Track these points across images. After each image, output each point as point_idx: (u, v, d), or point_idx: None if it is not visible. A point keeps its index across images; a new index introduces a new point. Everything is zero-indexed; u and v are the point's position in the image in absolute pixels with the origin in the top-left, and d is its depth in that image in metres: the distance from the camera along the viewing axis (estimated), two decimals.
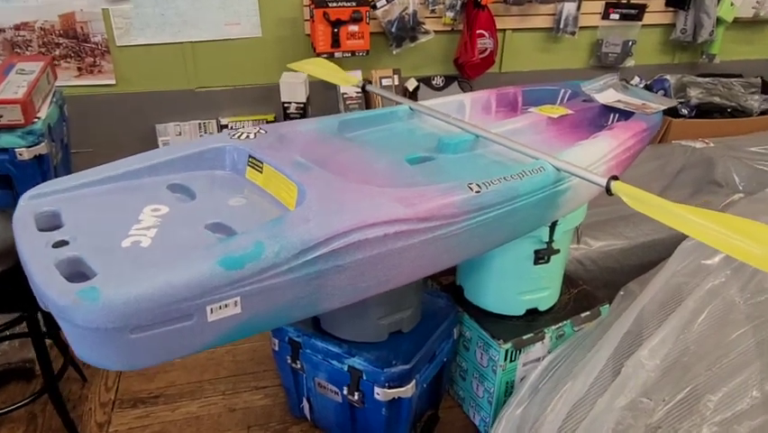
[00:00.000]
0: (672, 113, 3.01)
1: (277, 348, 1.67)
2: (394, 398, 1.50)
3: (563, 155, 1.37)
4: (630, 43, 3.06)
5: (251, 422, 1.83)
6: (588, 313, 1.77)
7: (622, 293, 1.84)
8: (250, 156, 1.27)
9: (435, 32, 2.79)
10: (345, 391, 1.55)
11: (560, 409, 1.39)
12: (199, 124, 2.76)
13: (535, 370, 1.63)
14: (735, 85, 3.18)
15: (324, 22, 2.53)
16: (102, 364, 0.92)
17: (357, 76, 2.75)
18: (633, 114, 1.71)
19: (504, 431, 1.50)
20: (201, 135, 2.77)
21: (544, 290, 1.72)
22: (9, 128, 1.78)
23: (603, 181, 1.21)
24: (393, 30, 2.71)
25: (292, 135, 1.41)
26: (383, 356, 1.50)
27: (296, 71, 2.12)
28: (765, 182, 2.47)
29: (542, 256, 1.63)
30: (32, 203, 1.12)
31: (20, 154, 1.80)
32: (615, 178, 1.20)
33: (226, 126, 2.76)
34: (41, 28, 2.48)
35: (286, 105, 2.60)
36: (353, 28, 2.58)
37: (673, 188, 2.55)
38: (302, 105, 2.60)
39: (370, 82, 2.70)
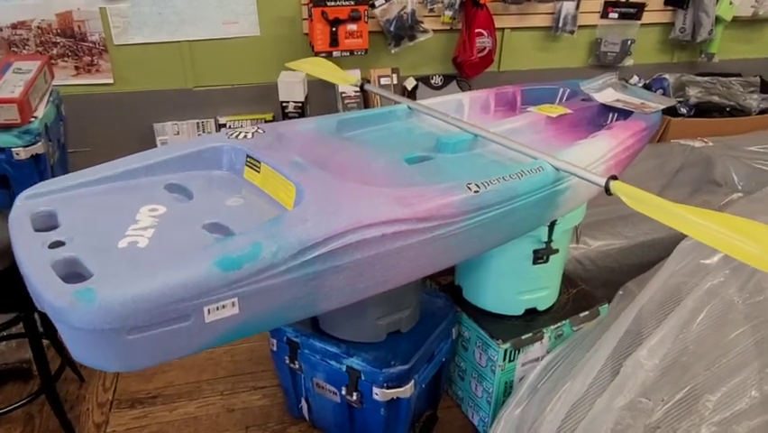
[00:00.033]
0: (670, 112, 3.00)
1: (275, 348, 1.66)
2: (392, 398, 1.50)
3: (562, 155, 1.37)
4: (629, 42, 3.06)
5: (249, 422, 1.83)
6: (587, 313, 1.76)
7: (621, 293, 1.84)
8: (247, 156, 1.26)
9: (434, 30, 2.78)
10: (344, 392, 1.55)
11: (559, 409, 1.39)
12: (197, 123, 2.75)
13: (534, 370, 1.62)
14: (733, 84, 3.18)
15: (323, 21, 2.52)
16: (99, 366, 0.92)
17: (355, 75, 2.74)
18: (632, 113, 1.70)
19: (503, 432, 1.50)
20: (199, 135, 2.76)
21: (542, 289, 1.72)
22: (5, 128, 1.78)
23: (602, 181, 1.20)
24: (391, 29, 2.70)
25: (290, 135, 1.40)
26: (381, 356, 1.50)
27: (294, 70, 2.11)
28: (764, 181, 2.47)
29: (541, 256, 1.63)
30: (28, 203, 1.11)
31: (16, 154, 1.79)
32: (614, 177, 1.20)
33: (224, 125, 2.75)
34: (38, 27, 2.47)
35: (284, 104, 2.60)
36: (352, 27, 2.57)
37: (672, 188, 2.55)
38: (300, 105, 2.59)
39: (369, 81, 2.70)
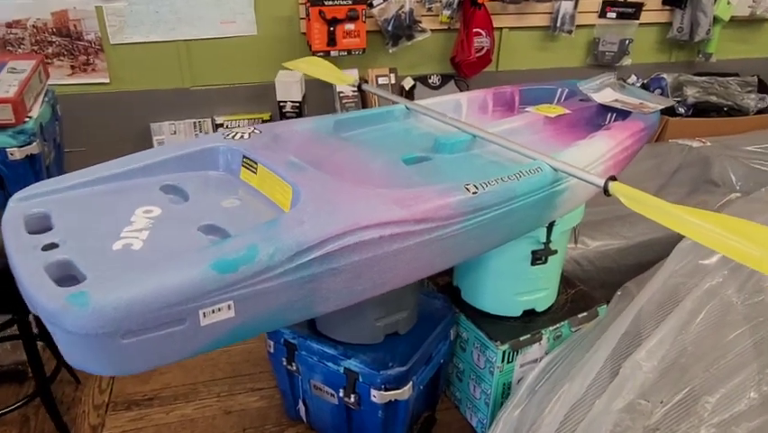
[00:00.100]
0: (668, 112, 3.00)
1: (272, 350, 1.65)
2: (390, 400, 1.49)
3: (561, 155, 1.36)
4: (627, 42, 3.05)
5: (246, 424, 1.82)
6: (585, 314, 1.76)
7: (619, 293, 1.83)
8: (244, 156, 1.25)
9: (432, 30, 2.77)
10: (341, 394, 1.54)
11: (557, 411, 1.38)
12: (194, 123, 2.74)
13: (533, 371, 1.62)
14: (731, 84, 3.18)
15: (320, 20, 2.51)
16: (93, 370, 0.91)
17: (353, 75, 2.73)
18: (630, 113, 1.70)
19: None
20: (196, 134, 2.75)
21: (541, 290, 1.71)
22: (0, 128, 1.76)
23: (601, 182, 1.20)
24: (389, 28, 2.69)
25: (287, 135, 1.40)
26: (379, 358, 1.49)
27: (291, 70, 2.10)
28: (762, 181, 2.46)
29: (539, 257, 1.62)
30: (21, 205, 1.10)
31: (11, 154, 1.78)
32: (613, 178, 1.19)
33: (221, 125, 2.74)
34: (33, 26, 2.46)
35: (281, 103, 2.59)
36: (349, 26, 2.56)
37: (670, 188, 2.54)
38: (298, 104, 2.58)
39: (366, 81, 2.70)
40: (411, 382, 1.51)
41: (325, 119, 1.52)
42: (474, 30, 2.73)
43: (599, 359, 1.47)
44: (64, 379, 1.92)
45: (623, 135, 1.55)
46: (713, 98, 3.08)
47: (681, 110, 3.05)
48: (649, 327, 1.54)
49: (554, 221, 1.56)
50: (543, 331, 1.68)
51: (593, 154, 1.45)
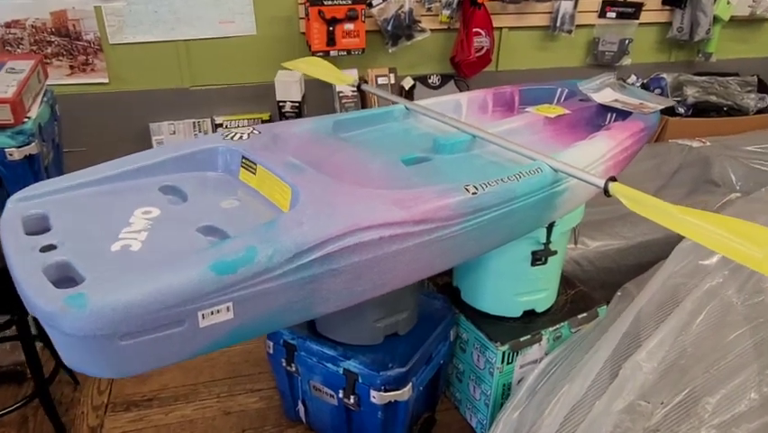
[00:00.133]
0: (668, 111, 3.00)
1: (271, 351, 1.65)
2: (390, 401, 1.49)
3: (561, 156, 1.36)
4: (627, 42, 3.05)
5: (245, 425, 1.81)
6: (585, 314, 1.76)
7: (619, 294, 1.83)
8: (243, 157, 1.25)
9: (432, 30, 2.77)
10: (341, 395, 1.54)
11: (557, 412, 1.38)
12: (193, 123, 2.73)
13: (533, 372, 1.61)
14: (731, 83, 3.17)
15: (320, 20, 2.51)
16: (91, 372, 0.90)
17: (353, 74, 2.73)
18: (630, 113, 1.69)
19: None
20: (195, 134, 2.75)
21: (541, 291, 1.71)
22: None
23: (601, 183, 1.19)
24: (389, 28, 2.69)
25: (286, 136, 1.39)
26: (379, 359, 1.49)
27: (291, 70, 2.10)
28: (762, 181, 2.46)
29: (539, 258, 1.62)
30: (19, 205, 1.09)
31: (10, 155, 1.77)
32: (613, 179, 1.19)
33: (221, 125, 2.74)
34: (32, 26, 2.45)
35: (281, 103, 2.58)
36: (349, 26, 2.56)
37: (670, 188, 2.54)
38: (297, 104, 2.58)
39: (366, 81, 2.69)
40: (411, 383, 1.50)
41: (325, 119, 1.52)
42: (474, 30, 2.72)
43: (599, 360, 1.47)
44: (63, 380, 1.92)
45: (623, 136, 1.55)
46: (713, 98, 3.07)
47: (681, 110, 3.05)
48: (649, 328, 1.54)
49: (554, 222, 1.56)
50: (542, 332, 1.68)
51: (593, 155, 1.44)
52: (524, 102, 1.89)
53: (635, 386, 1.37)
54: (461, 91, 2.88)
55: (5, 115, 1.75)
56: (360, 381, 1.49)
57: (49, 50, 2.49)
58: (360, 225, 1.04)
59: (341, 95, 2.77)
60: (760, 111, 3.12)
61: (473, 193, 1.18)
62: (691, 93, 3.06)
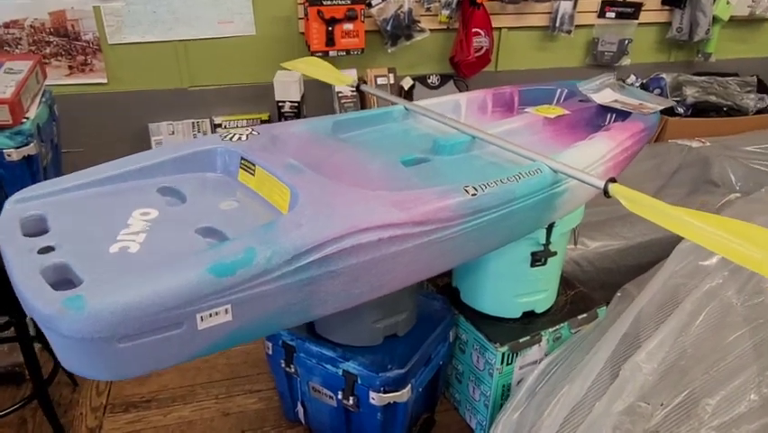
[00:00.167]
0: (668, 112, 3.00)
1: (270, 352, 1.64)
2: (389, 402, 1.48)
3: (561, 157, 1.35)
4: (626, 42, 3.05)
5: (244, 427, 1.81)
6: (585, 315, 1.75)
7: (619, 295, 1.83)
8: (242, 158, 1.25)
9: (431, 30, 2.76)
10: (340, 396, 1.53)
11: (557, 413, 1.38)
12: (192, 123, 2.73)
13: (532, 373, 1.61)
14: (730, 84, 3.17)
15: (319, 20, 2.50)
16: (89, 375, 0.90)
17: (352, 75, 2.73)
18: (630, 114, 1.69)
19: None
20: (194, 134, 2.74)
21: (540, 292, 1.70)
22: None
23: (601, 184, 1.19)
24: (388, 28, 2.69)
25: (285, 137, 1.39)
26: (378, 360, 1.49)
27: (290, 70, 2.09)
28: (761, 181, 2.46)
29: (539, 258, 1.62)
30: (17, 207, 1.09)
31: (8, 155, 1.77)
32: (613, 180, 1.19)
33: (220, 125, 2.73)
34: (30, 26, 2.45)
35: (280, 104, 2.58)
36: (348, 26, 2.55)
37: (670, 188, 2.54)
38: (296, 104, 2.58)
39: (365, 82, 2.69)
40: (410, 385, 1.50)
41: (324, 120, 1.51)
42: (473, 30, 2.72)
43: (599, 361, 1.47)
44: (61, 381, 1.92)
45: (623, 136, 1.54)
46: (712, 98, 3.07)
47: (681, 110, 3.04)
48: (649, 329, 1.54)
49: (554, 222, 1.56)
50: (542, 333, 1.68)
51: (593, 155, 1.44)
52: (523, 102, 1.88)
53: (635, 387, 1.36)
54: (460, 91, 2.88)
55: (4, 115, 1.74)
56: (359, 382, 1.49)
57: (47, 51, 2.49)
58: (359, 227, 1.03)
59: (340, 95, 2.76)
60: (759, 111, 3.11)
61: (473, 194, 1.18)
62: (691, 93, 3.05)
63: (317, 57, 2.48)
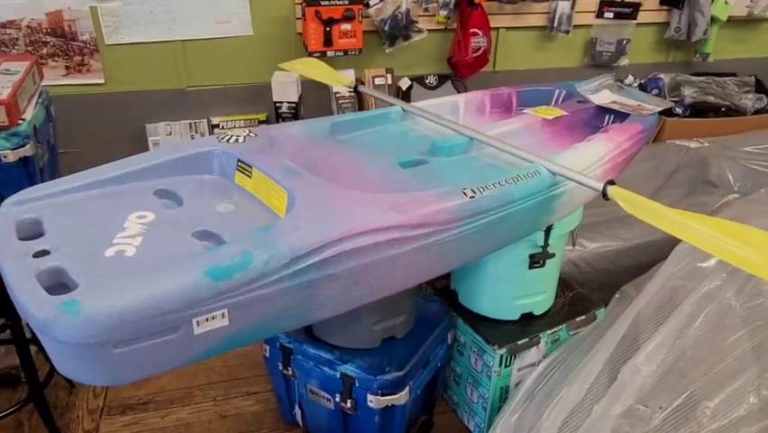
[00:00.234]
0: (666, 112, 3.00)
1: (268, 355, 1.64)
2: (387, 405, 1.48)
3: (559, 158, 1.35)
4: (624, 42, 3.04)
5: (242, 429, 1.80)
6: (583, 317, 1.75)
7: (618, 296, 1.82)
8: (239, 160, 1.24)
9: (429, 30, 2.76)
10: (338, 399, 1.53)
11: (555, 416, 1.37)
12: (190, 123, 2.72)
13: (531, 375, 1.60)
14: (728, 84, 3.17)
15: (316, 20, 2.50)
16: (85, 380, 0.90)
17: (349, 75, 2.72)
18: (628, 115, 1.69)
19: None
20: (192, 135, 2.73)
21: (539, 294, 1.70)
22: None
23: (599, 186, 1.19)
24: (386, 28, 2.68)
25: (282, 138, 1.38)
26: (376, 363, 1.48)
27: (287, 71, 2.09)
28: (760, 182, 2.46)
29: (537, 260, 1.61)
30: (13, 210, 1.08)
31: (4, 157, 1.76)
32: (611, 182, 1.18)
33: (217, 126, 2.72)
34: (27, 26, 2.44)
35: (278, 104, 2.57)
36: (346, 27, 2.55)
37: (668, 189, 2.53)
38: (294, 105, 2.57)
39: (363, 83, 2.68)
40: (408, 387, 1.50)
41: (321, 122, 1.51)
42: (471, 30, 2.71)
43: (598, 363, 1.46)
44: (58, 383, 1.91)
45: (621, 138, 1.54)
46: (710, 98, 3.07)
47: (679, 110, 3.04)
48: (647, 331, 1.53)
49: (552, 224, 1.55)
50: (540, 335, 1.67)
51: (591, 157, 1.44)
52: (521, 103, 1.88)
53: (634, 390, 1.36)
54: (458, 91, 2.87)
55: (0, 116, 1.73)
56: (357, 385, 1.48)
57: (44, 51, 2.48)
58: (357, 230, 1.03)
59: (338, 95, 2.76)
60: (757, 111, 3.11)
61: (471, 197, 1.17)
62: (689, 93, 3.05)
63: (315, 57, 2.47)
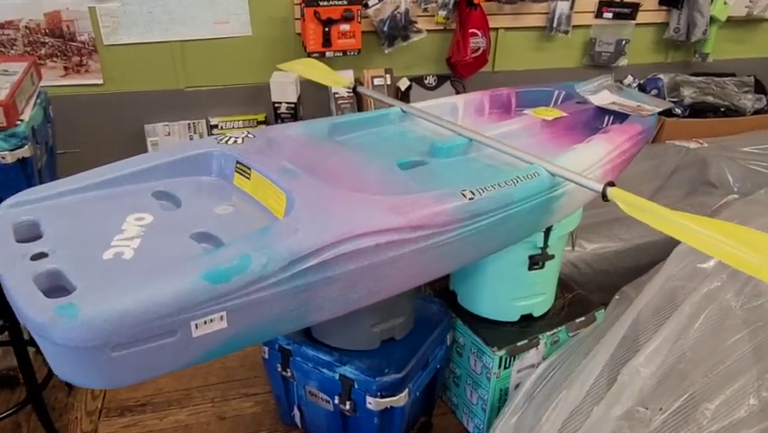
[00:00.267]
0: (665, 112, 2.99)
1: (267, 356, 1.63)
2: (386, 407, 1.47)
3: (558, 160, 1.35)
4: (623, 42, 3.04)
5: (240, 430, 1.80)
6: (583, 318, 1.75)
7: (617, 297, 1.82)
8: (237, 162, 1.24)
9: (428, 30, 2.75)
10: (337, 400, 1.52)
11: (555, 418, 1.37)
12: (188, 124, 2.71)
13: (530, 377, 1.60)
14: (728, 84, 3.17)
15: (315, 20, 2.49)
16: (83, 383, 0.89)
17: (348, 76, 2.72)
18: (628, 116, 1.68)
19: None
20: (190, 135, 2.73)
21: (538, 295, 1.70)
22: None
23: (599, 187, 1.19)
24: (385, 29, 2.67)
25: (281, 140, 1.38)
26: (375, 365, 1.48)
27: (286, 71, 2.08)
28: (759, 182, 2.45)
29: (536, 262, 1.61)
30: (10, 212, 1.08)
31: (2, 158, 1.75)
32: (611, 184, 1.18)
33: (216, 126, 2.72)
34: (25, 27, 2.43)
35: (276, 105, 2.57)
36: (345, 27, 2.54)
37: (667, 189, 2.53)
38: (293, 105, 2.57)
39: (361, 83, 2.68)
40: (407, 389, 1.49)
41: (320, 123, 1.50)
42: (470, 30, 2.71)
43: (597, 365, 1.46)
44: (56, 385, 1.90)
45: (621, 139, 1.53)
46: (710, 99, 3.07)
47: (678, 111, 3.04)
48: (647, 332, 1.53)
49: (552, 226, 1.55)
50: (540, 336, 1.67)
51: (591, 158, 1.43)
52: (521, 104, 1.87)
53: (634, 392, 1.36)
54: (457, 92, 2.87)
55: None
56: (356, 386, 1.48)
57: (42, 52, 2.47)
58: (355, 232, 1.02)
59: (337, 96, 2.75)
60: (757, 112, 3.11)
61: (470, 198, 1.17)
62: (688, 94, 3.05)
63: (314, 58, 2.47)
